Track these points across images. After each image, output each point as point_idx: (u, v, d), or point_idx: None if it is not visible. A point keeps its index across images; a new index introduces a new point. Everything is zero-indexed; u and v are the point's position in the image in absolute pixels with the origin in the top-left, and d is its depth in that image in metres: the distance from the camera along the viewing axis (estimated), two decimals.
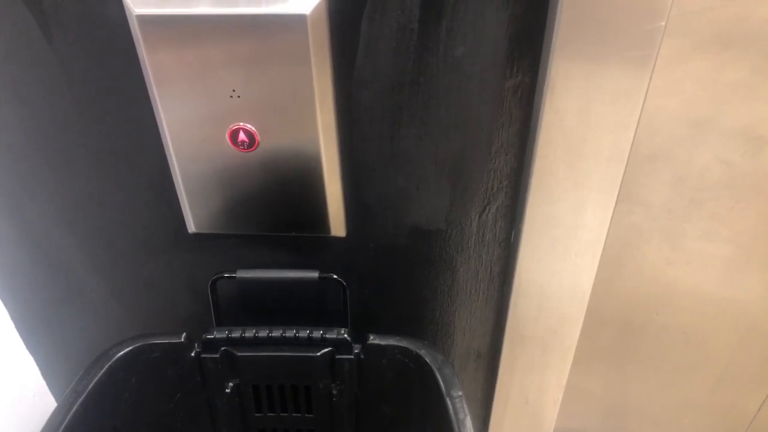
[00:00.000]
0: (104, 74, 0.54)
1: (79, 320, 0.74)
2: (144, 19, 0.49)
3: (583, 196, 0.57)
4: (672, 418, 1.15)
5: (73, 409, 0.54)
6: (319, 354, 0.61)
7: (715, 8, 0.69)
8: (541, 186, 0.57)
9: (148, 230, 0.65)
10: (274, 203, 0.59)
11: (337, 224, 0.61)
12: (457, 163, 0.57)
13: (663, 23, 0.46)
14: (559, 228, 0.60)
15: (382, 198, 0.60)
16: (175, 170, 0.58)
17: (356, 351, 0.62)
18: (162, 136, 0.56)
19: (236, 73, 0.51)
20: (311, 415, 0.67)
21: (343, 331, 0.61)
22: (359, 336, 0.62)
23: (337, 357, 0.62)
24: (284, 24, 0.48)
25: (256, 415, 0.68)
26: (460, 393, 0.54)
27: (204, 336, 0.61)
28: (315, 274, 0.63)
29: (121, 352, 0.60)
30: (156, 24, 0.49)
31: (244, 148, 0.55)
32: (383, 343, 0.61)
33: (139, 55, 0.51)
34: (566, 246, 0.61)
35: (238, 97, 0.52)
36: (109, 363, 0.59)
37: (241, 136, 0.54)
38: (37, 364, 0.78)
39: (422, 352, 0.59)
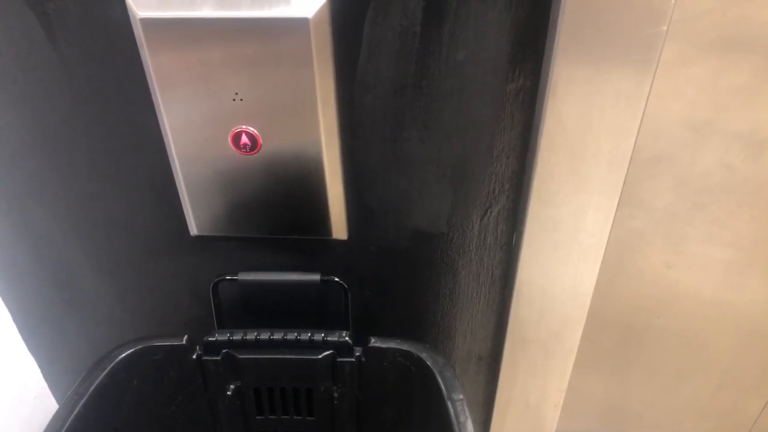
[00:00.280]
0: (107, 77, 0.54)
1: (81, 322, 0.74)
2: (147, 23, 0.49)
3: (585, 200, 0.57)
4: (673, 421, 1.14)
5: (75, 411, 0.54)
6: (320, 357, 0.61)
7: (716, 12, 0.69)
8: (543, 189, 0.57)
9: (150, 232, 0.65)
10: (276, 206, 0.59)
11: (339, 227, 0.61)
12: (459, 166, 0.57)
13: (665, 27, 0.46)
14: (560, 231, 0.60)
15: (383, 201, 0.60)
16: (177, 173, 0.58)
17: (357, 354, 0.62)
18: (164, 138, 0.56)
19: (239, 76, 0.51)
20: (312, 418, 0.67)
21: (344, 334, 0.61)
22: (360, 339, 0.62)
23: (338, 360, 0.62)
24: (287, 27, 0.48)
25: (258, 417, 0.68)
26: (461, 396, 0.54)
27: (205, 338, 0.61)
28: (316, 277, 0.63)
29: (123, 354, 0.60)
30: (159, 27, 0.49)
31: (246, 151, 0.55)
32: (384, 345, 0.61)
33: (143, 58, 0.51)
34: (568, 249, 0.61)
35: (241, 100, 0.52)
36: (111, 365, 0.59)
37: (244, 139, 0.55)
38: (39, 366, 0.78)
39: (423, 355, 0.59)
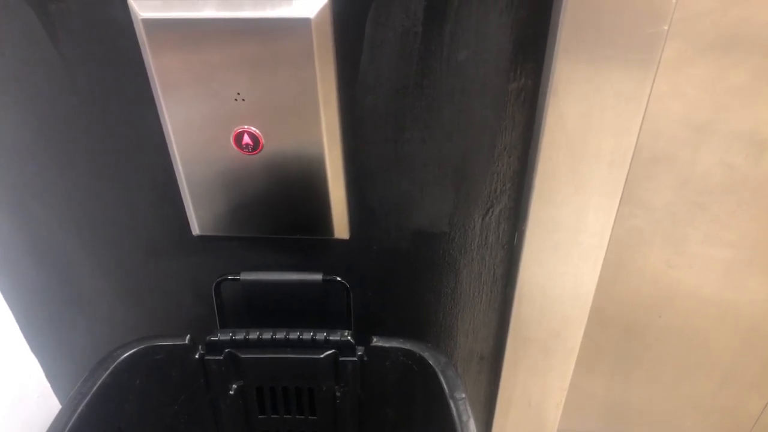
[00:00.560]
0: (109, 77, 0.54)
1: (83, 322, 0.75)
2: (149, 23, 0.49)
3: (586, 199, 0.58)
4: (675, 420, 1.15)
5: (78, 411, 0.54)
6: (322, 356, 0.61)
7: (716, 12, 0.69)
8: (544, 189, 0.57)
9: (152, 232, 0.65)
10: (278, 206, 0.60)
11: (341, 227, 0.61)
12: (461, 166, 0.57)
13: (666, 27, 0.46)
14: (562, 231, 0.60)
15: (385, 201, 0.60)
16: (179, 173, 0.58)
17: (359, 353, 0.62)
18: (167, 138, 0.56)
19: (241, 77, 0.51)
20: (314, 417, 0.67)
21: (346, 334, 0.61)
22: (362, 338, 0.62)
23: (340, 359, 0.62)
24: (288, 28, 0.48)
25: (260, 417, 0.68)
26: (464, 395, 0.54)
27: (208, 338, 0.61)
28: (318, 277, 0.63)
29: (126, 354, 0.60)
30: (161, 27, 0.49)
31: (248, 151, 0.55)
32: (386, 345, 0.61)
33: (145, 59, 0.51)
34: (569, 249, 0.61)
35: (243, 100, 0.52)
36: (114, 365, 0.59)
37: (246, 139, 0.55)
38: (42, 366, 0.78)
39: (425, 354, 0.59)
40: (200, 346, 0.62)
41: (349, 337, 0.61)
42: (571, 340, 0.69)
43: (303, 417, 0.68)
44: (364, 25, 0.50)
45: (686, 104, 0.77)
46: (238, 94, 0.52)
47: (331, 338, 0.61)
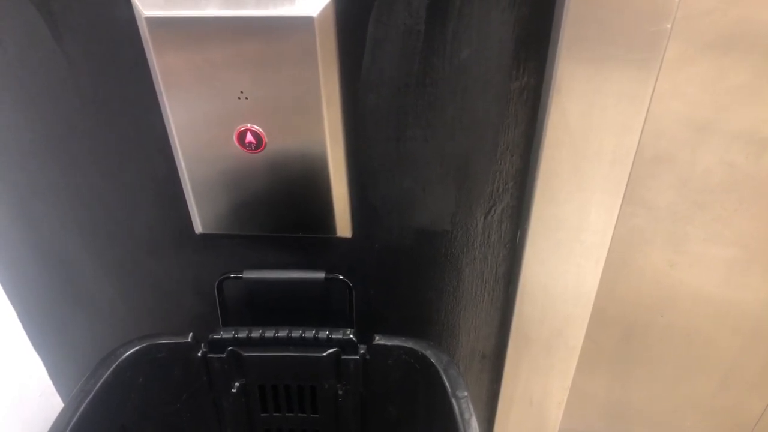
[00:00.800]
0: (113, 76, 0.55)
1: (86, 320, 0.75)
2: (153, 22, 0.49)
3: (588, 198, 0.58)
4: (676, 420, 1.15)
5: (81, 409, 0.54)
6: (324, 354, 0.61)
7: (717, 11, 0.69)
8: (547, 187, 0.57)
9: (155, 231, 0.65)
10: (281, 204, 0.60)
11: (343, 225, 0.61)
12: (463, 164, 0.58)
13: (669, 25, 0.46)
14: (564, 230, 0.60)
15: (387, 199, 0.61)
16: (182, 171, 0.58)
17: (362, 351, 0.62)
18: (170, 136, 0.56)
19: (244, 75, 0.51)
20: (317, 416, 0.67)
21: (348, 332, 0.61)
22: (365, 336, 0.62)
23: (342, 357, 0.62)
24: (292, 26, 0.48)
25: (262, 415, 0.68)
26: (466, 393, 0.54)
27: (210, 336, 0.62)
28: (321, 275, 0.63)
29: (128, 352, 0.60)
30: (164, 26, 0.49)
31: (251, 150, 0.56)
32: (389, 343, 0.61)
33: (148, 57, 0.51)
34: (571, 248, 0.61)
35: (246, 98, 0.52)
36: (116, 363, 0.59)
37: (249, 137, 0.55)
38: (44, 364, 0.78)
39: (428, 353, 0.59)
40: (203, 345, 0.62)
41: (351, 336, 0.61)
42: (573, 339, 0.69)
43: (305, 415, 0.68)
44: (367, 24, 0.50)
45: (687, 103, 0.77)
46: (241, 92, 0.52)
47: (333, 336, 0.61)
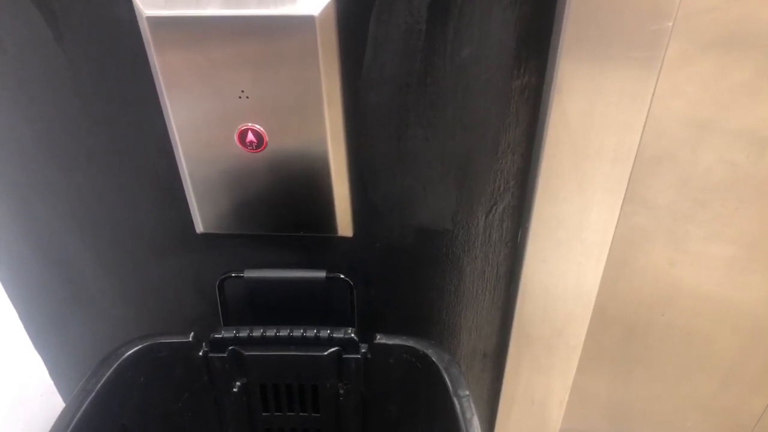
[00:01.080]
0: (114, 75, 0.55)
1: (87, 320, 0.75)
2: (154, 21, 0.49)
3: (589, 197, 0.58)
4: (676, 419, 1.15)
5: (82, 408, 0.54)
6: (326, 353, 0.61)
7: (718, 10, 0.69)
8: (548, 186, 0.57)
9: (156, 230, 0.65)
10: (282, 203, 0.60)
11: (344, 224, 0.61)
12: (464, 163, 0.58)
13: (669, 24, 0.46)
14: (565, 229, 0.60)
15: (389, 198, 0.61)
16: (183, 170, 0.58)
17: (363, 350, 0.62)
18: (171, 136, 0.56)
19: (245, 74, 0.51)
20: (318, 415, 0.67)
21: (350, 331, 0.61)
22: (366, 335, 0.62)
23: (344, 356, 0.62)
24: (293, 25, 0.48)
25: (264, 414, 0.68)
26: (467, 392, 0.54)
27: (212, 335, 0.62)
28: (322, 274, 0.63)
29: (130, 352, 0.60)
30: (166, 25, 0.49)
31: (252, 149, 0.56)
32: (390, 342, 0.61)
33: (149, 57, 0.51)
34: (572, 246, 0.61)
35: (247, 97, 0.52)
36: (118, 362, 0.59)
37: (250, 136, 0.55)
38: (45, 364, 0.78)
39: (429, 352, 0.59)
40: (204, 344, 0.62)
41: (352, 335, 0.61)
42: (574, 338, 0.69)
43: (306, 414, 0.68)
44: (368, 23, 0.50)
45: (687, 102, 0.77)
46: (242, 91, 0.52)
47: (334, 336, 0.61)
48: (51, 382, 0.80)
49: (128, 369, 0.60)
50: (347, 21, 0.50)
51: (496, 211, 0.61)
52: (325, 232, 0.62)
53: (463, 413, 0.52)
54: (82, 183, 0.62)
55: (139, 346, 0.61)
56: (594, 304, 0.66)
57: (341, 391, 0.65)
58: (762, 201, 0.84)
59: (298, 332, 0.61)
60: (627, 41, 0.48)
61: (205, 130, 0.55)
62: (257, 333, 0.61)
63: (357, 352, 0.62)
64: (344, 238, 0.64)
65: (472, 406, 0.53)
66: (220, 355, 0.62)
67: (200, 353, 0.63)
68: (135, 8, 0.49)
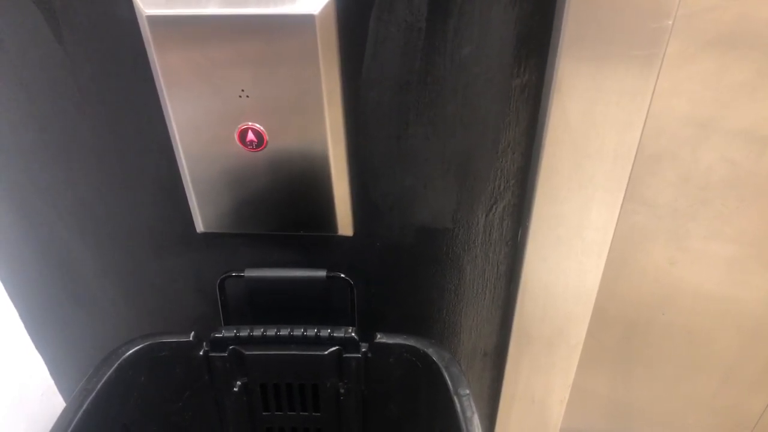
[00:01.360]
0: (114, 74, 0.55)
1: (88, 320, 0.75)
2: (154, 20, 0.49)
3: (590, 196, 0.58)
4: (677, 418, 1.15)
5: (83, 408, 0.54)
6: (326, 353, 0.61)
7: (718, 9, 0.69)
8: (548, 185, 0.57)
9: (156, 230, 0.65)
10: (282, 203, 0.60)
11: (345, 223, 0.61)
12: (464, 162, 0.58)
13: (670, 22, 0.46)
14: (565, 227, 0.60)
15: (389, 197, 0.61)
16: (183, 170, 0.58)
17: (363, 349, 0.62)
18: (171, 135, 0.56)
19: (245, 73, 0.51)
20: (318, 414, 0.67)
21: (350, 330, 0.61)
22: (366, 335, 0.62)
23: (344, 355, 0.62)
24: (293, 24, 0.48)
25: (264, 413, 0.68)
26: (468, 391, 0.54)
27: (212, 335, 0.62)
28: (322, 273, 0.63)
29: (130, 351, 0.60)
30: (166, 24, 0.49)
31: (252, 148, 0.56)
32: (390, 341, 0.61)
33: (149, 56, 0.51)
34: (572, 245, 0.61)
35: (247, 96, 0.52)
36: (119, 362, 0.59)
37: (250, 135, 0.55)
38: (46, 364, 0.78)
39: (429, 351, 0.59)
40: (204, 343, 0.62)
41: (352, 334, 0.61)
42: (575, 337, 0.69)
43: (307, 414, 0.68)
44: (368, 22, 0.50)
45: (688, 101, 0.77)
46: (243, 90, 0.52)
47: (334, 335, 0.61)
48: (51, 382, 0.80)
49: (129, 368, 0.60)
50: (347, 20, 0.50)
51: (496, 209, 0.61)
52: (326, 231, 0.62)
53: (464, 412, 0.52)
54: (83, 183, 0.62)
55: (140, 346, 0.61)
56: (594, 303, 0.66)
57: (342, 391, 0.65)
58: (762, 200, 0.84)
59: (298, 331, 0.61)
60: (627, 39, 0.48)
61: (206, 130, 0.55)
62: (258, 332, 0.61)
63: (357, 351, 0.62)
64: (344, 237, 0.64)
65: (473, 404, 0.53)
66: (221, 354, 0.62)
67: (201, 353, 0.63)
68: (135, 7, 0.49)
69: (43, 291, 0.72)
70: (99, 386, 0.57)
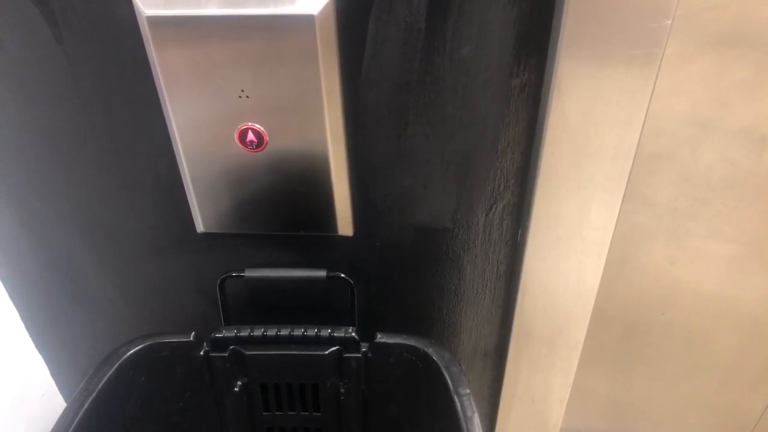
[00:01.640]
0: (114, 75, 0.55)
1: (88, 320, 0.75)
2: (154, 21, 0.49)
3: (589, 195, 0.58)
4: (677, 417, 1.15)
5: (84, 408, 0.54)
6: (326, 352, 0.61)
7: (717, 8, 0.69)
8: (548, 185, 0.57)
9: (156, 230, 0.65)
10: (282, 203, 0.60)
11: (345, 223, 0.61)
12: (464, 162, 0.58)
13: (669, 21, 0.46)
14: (565, 227, 0.60)
15: (389, 197, 0.61)
16: (184, 170, 0.59)
17: (364, 349, 0.62)
18: (171, 136, 0.56)
19: (245, 74, 0.51)
20: (319, 414, 0.68)
21: (350, 330, 0.61)
22: (367, 334, 0.62)
23: (344, 355, 0.62)
24: (292, 24, 0.48)
25: (264, 413, 0.68)
26: (468, 391, 0.54)
27: (213, 335, 0.62)
28: (322, 273, 0.63)
29: (131, 351, 0.60)
30: (165, 25, 0.49)
31: (252, 148, 0.56)
32: (391, 341, 0.61)
33: (149, 56, 0.52)
34: (572, 245, 0.62)
35: (247, 97, 0.53)
36: (119, 362, 0.59)
37: (250, 136, 0.55)
38: (46, 364, 0.78)
39: (429, 351, 0.59)
40: (205, 343, 0.63)
41: (353, 334, 0.61)
42: (575, 336, 0.69)
43: (307, 413, 0.68)
44: (368, 22, 0.50)
45: (688, 101, 0.77)
46: (242, 91, 0.52)
47: (335, 335, 0.61)
48: (52, 382, 0.80)
49: (129, 369, 0.60)
50: (347, 20, 0.50)
51: (496, 209, 0.61)
52: (326, 231, 0.62)
53: (464, 412, 0.52)
54: (82, 183, 0.62)
55: (140, 346, 0.61)
56: (594, 303, 0.66)
57: (342, 390, 0.65)
58: (762, 199, 0.84)
59: (298, 331, 0.61)
60: (626, 39, 0.48)
61: (206, 130, 0.55)
62: (258, 332, 0.61)
63: (357, 351, 0.62)
64: (344, 238, 0.64)
65: (473, 404, 0.53)
66: (221, 354, 0.62)
67: (201, 353, 0.63)
68: (135, 8, 0.49)
69: (44, 291, 0.72)
70: (99, 386, 0.57)
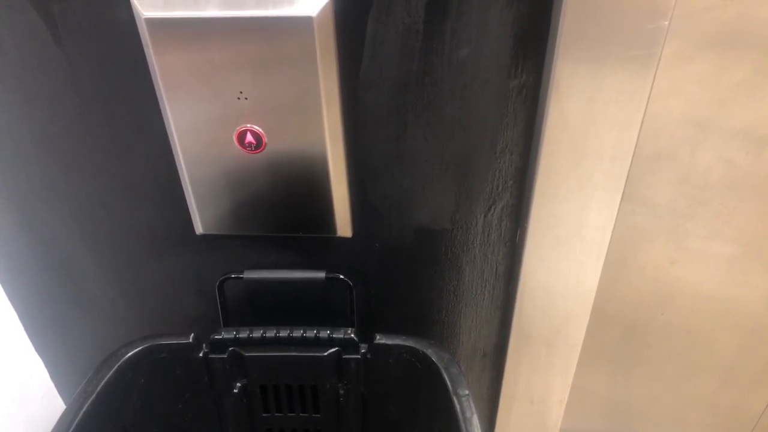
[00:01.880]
0: (113, 77, 0.55)
1: (87, 322, 0.75)
2: (152, 23, 0.49)
3: (588, 196, 0.58)
4: (677, 418, 1.15)
5: (83, 410, 0.55)
6: (326, 354, 0.61)
7: (716, 9, 0.69)
8: (546, 185, 0.57)
9: (155, 231, 0.65)
10: (281, 204, 0.60)
11: (344, 225, 0.61)
12: (463, 162, 0.58)
13: (666, 22, 0.46)
14: (564, 227, 0.60)
15: (388, 198, 0.61)
16: (182, 172, 0.59)
17: (363, 351, 0.62)
18: (170, 137, 0.56)
19: (243, 75, 0.51)
20: (318, 415, 0.68)
21: (349, 331, 0.61)
22: (366, 336, 0.62)
23: (344, 357, 0.62)
24: (291, 26, 0.48)
25: (264, 415, 0.68)
26: (467, 392, 0.54)
27: (212, 336, 0.62)
28: (322, 275, 0.63)
29: (130, 353, 0.60)
30: (164, 27, 0.49)
31: (251, 150, 0.56)
32: (390, 342, 0.61)
33: (148, 58, 0.52)
34: (571, 245, 0.62)
35: (246, 98, 0.53)
36: (118, 363, 0.59)
37: (249, 137, 0.55)
38: (45, 365, 0.78)
39: (429, 352, 0.59)
40: (204, 345, 0.63)
41: (352, 335, 0.61)
42: (574, 337, 0.69)
43: (306, 415, 0.68)
44: (366, 23, 0.50)
45: (686, 101, 0.77)
46: (241, 92, 0.52)
47: (334, 336, 0.61)
48: (51, 384, 0.80)
49: (129, 370, 0.60)
50: (345, 21, 0.50)
51: (494, 210, 0.61)
52: (325, 232, 0.62)
53: (463, 412, 0.52)
54: (82, 184, 0.62)
55: (140, 348, 0.61)
56: (593, 303, 0.66)
57: (341, 392, 0.65)
58: (761, 199, 0.84)
59: (298, 333, 0.61)
60: (624, 40, 0.48)
61: (204, 131, 0.55)
62: (257, 334, 0.61)
63: (357, 352, 0.62)
64: (343, 239, 0.64)
65: (472, 405, 0.53)
66: (221, 356, 0.62)
67: (200, 354, 0.63)
68: (134, 10, 0.49)
69: (43, 292, 0.72)
70: (99, 388, 0.57)
